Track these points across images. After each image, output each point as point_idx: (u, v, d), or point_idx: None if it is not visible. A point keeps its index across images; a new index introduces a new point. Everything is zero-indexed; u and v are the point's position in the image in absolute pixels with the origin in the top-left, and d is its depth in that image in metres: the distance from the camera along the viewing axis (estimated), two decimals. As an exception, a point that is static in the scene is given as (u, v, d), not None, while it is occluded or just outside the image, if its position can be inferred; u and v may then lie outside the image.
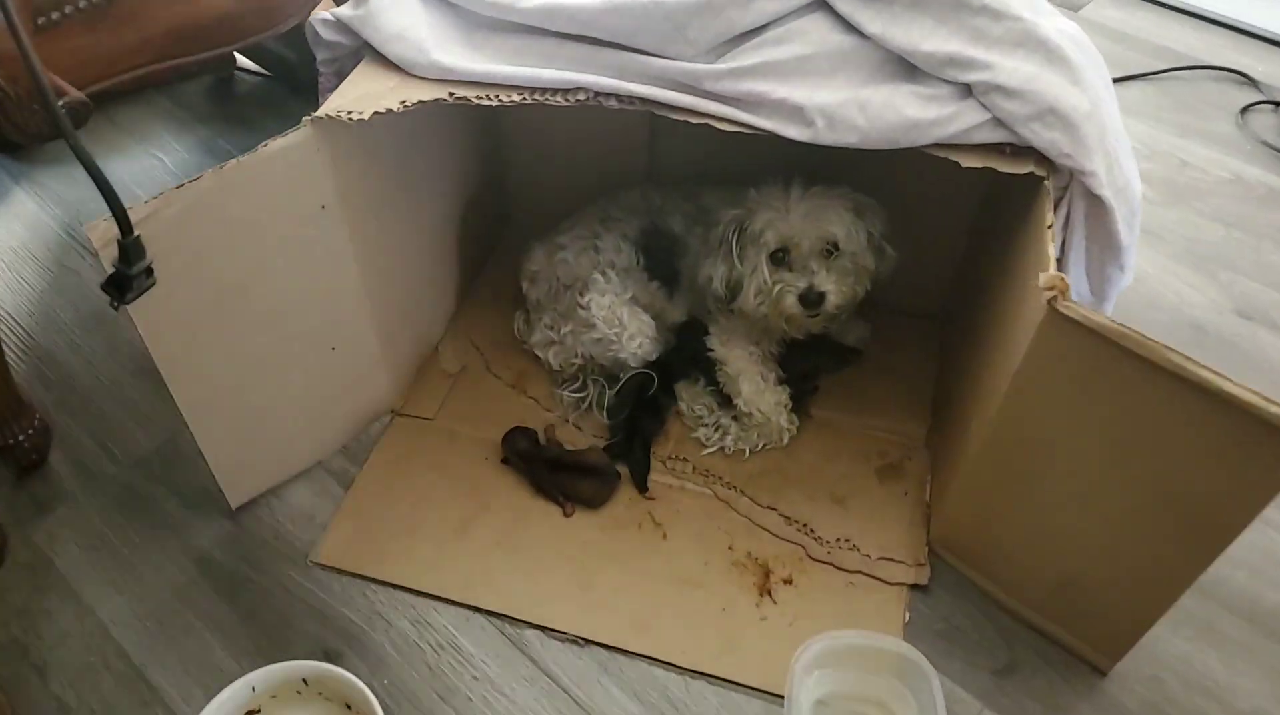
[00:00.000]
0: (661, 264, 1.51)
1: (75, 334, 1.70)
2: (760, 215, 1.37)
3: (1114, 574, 1.17)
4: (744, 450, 1.46)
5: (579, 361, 1.52)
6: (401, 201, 1.40)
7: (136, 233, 0.83)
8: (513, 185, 1.80)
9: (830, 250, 1.35)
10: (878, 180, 1.36)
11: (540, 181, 1.77)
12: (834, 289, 1.36)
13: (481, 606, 1.26)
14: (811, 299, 1.34)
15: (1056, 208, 1.15)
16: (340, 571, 1.31)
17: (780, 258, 1.37)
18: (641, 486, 1.42)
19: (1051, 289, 1.02)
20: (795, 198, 1.36)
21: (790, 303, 1.36)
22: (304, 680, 1.18)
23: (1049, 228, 1.11)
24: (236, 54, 2.19)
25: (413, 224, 1.46)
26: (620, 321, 1.46)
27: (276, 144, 1.15)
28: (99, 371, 1.63)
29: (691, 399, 1.54)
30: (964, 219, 1.52)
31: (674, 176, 1.60)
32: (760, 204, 1.37)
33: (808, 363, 1.59)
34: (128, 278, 0.84)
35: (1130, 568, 1.14)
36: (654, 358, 1.53)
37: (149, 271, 0.87)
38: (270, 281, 1.22)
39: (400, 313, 1.47)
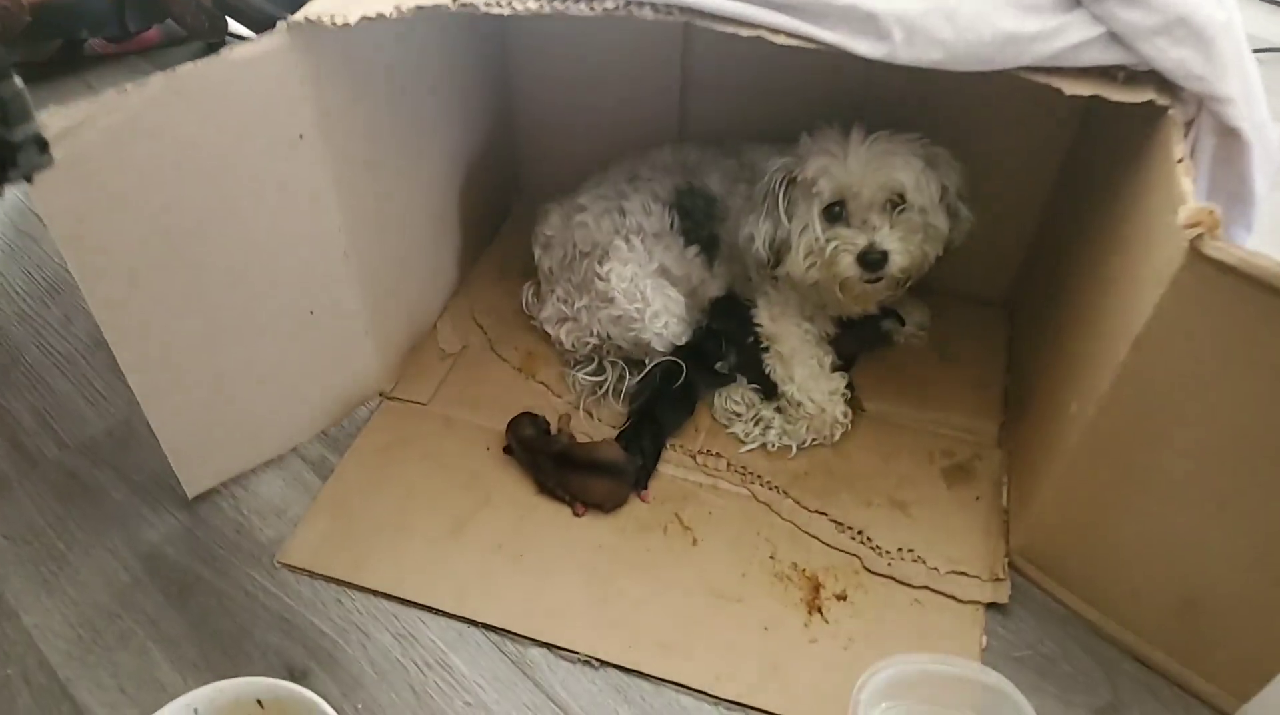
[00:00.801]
0: (699, 228, 1.34)
1: (26, 303, 1.52)
2: (813, 162, 1.18)
3: (1251, 593, 0.96)
4: (790, 447, 1.29)
5: (594, 341, 1.36)
6: (396, 144, 1.24)
7: (18, 83, 0.63)
8: (524, 146, 1.66)
9: (895, 203, 1.17)
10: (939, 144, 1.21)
11: (555, 143, 1.63)
12: (899, 248, 1.17)
13: (478, 619, 1.11)
14: (872, 259, 1.16)
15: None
16: (312, 575, 1.16)
17: (836, 212, 1.19)
18: (639, 483, 1.24)
19: (1196, 225, 0.81)
20: (856, 142, 1.18)
21: (846, 264, 1.18)
22: (258, 702, 0.98)
23: (1180, 162, 0.90)
24: (229, 19, 2.03)
25: (409, 173, 1.30)
26: (643, 296, 1.29)
27: (244, 51, 0.96)
28: (49, 344, 1.45)
29: (725, 397, 1.35)
30: (1038, 194, 1.38)
31: (707, 136, 1.44)
32: (814, 150, 1.20)
33: (850, 348, 1.42)
34: (7, 146, 0.64)
35: (1275, 585, 0.92)
36: (683, 341, 1.35)
37: (41, 145, 0.67)
38: (234, 224, 1.05)
39: (393, 278, 1.32)
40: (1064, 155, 1.33)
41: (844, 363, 1.37)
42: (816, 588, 1.15)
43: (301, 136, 1.07)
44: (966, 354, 1.44)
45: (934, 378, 1.40)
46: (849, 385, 1.34)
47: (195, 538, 1.20)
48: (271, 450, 1.28)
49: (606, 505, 1.21)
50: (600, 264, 1.31)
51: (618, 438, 1.28)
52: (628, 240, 1.32)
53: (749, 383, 1.36)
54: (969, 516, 1.22)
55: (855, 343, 1.41)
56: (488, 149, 1.54)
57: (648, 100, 1.49)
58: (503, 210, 1.69)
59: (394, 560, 1.16)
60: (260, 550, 1.18)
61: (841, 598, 1.14)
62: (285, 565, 1.17)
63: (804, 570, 1.16)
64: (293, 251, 1.13)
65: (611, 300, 1.30)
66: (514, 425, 1.27)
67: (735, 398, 1.35)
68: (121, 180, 0.94)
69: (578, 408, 1.36)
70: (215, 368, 1.14)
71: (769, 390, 1.35)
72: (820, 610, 1.12)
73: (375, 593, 1.14)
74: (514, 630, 1.10)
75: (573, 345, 1.38)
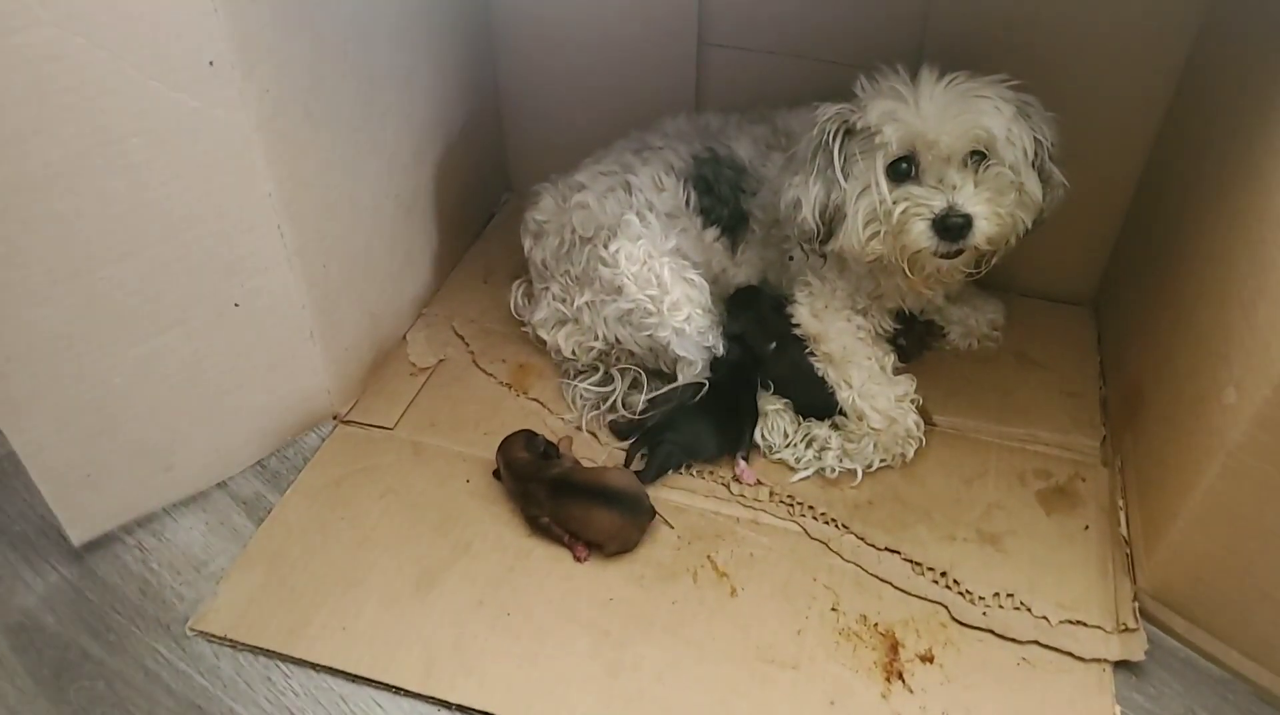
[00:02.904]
0: (721, 205, 1.17)
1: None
2: (876, 106, 1.00)
3: None
4: (855, 471, 1.12)
5: (599, 346, 1.20)
6: (348, 97, 1.07)
7: None
8: (512, 122, 1.53)
9: (979, 157, 1.00)
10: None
11: (548, 120, 1.49)
12: (985, 212, 0.98)
13: (451, 700, 0.94)
14: (953, 224, 0.97)
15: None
16: (236, 646, 0.99)
17: (905, 169, 1.00)
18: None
19: None
20: (929, 81, 0.99)
21: (920, 232, 0.99)
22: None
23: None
24: None
25: (366, 139, 1.13)
26: (659, 281, 1.11)
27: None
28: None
29: (767, 417, 1.16)
30: (1134, 162, 1.23)
31: (730, 105, 1.30)
32: (875, 93, 1.01)
33: (911, 349, 1.25)
34: None
35: None
36: (710, 342, 1.15)
37: None
38: (117, 173, 0.86)
39: (348, 270, 1.15)
40: (1163, 114, 1.17)
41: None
42: (894, 647, 0.99)
43: (211, 63, 0.86)
44: (1050, 358, 1.29)
45: (1015, 386, 1.25)
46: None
47: (84, 600, 1.02)
48: (190, 486, 1.12)
49: (611, 545, 1.04)
50: (606, 246, 1.12)
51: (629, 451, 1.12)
52: (640, 215, 1.13)
53: (778, 397, 1.17)
54: (1078, 551, 1.06)
55: (914, 342, 1.24)
56: (469, 126, 1.40)
57: (658, 65, 1.35)
58: (488, 206, 1.57)
59: (343, 625, 1.00)
60: (170, 615, 1.01)
61: (927, 659, 0.98)
62: (201, 634, 1.00)
63: (876, 625, 1.00)
64: (206, 218, 0.94)
65: (620, 289, 1.12)
66: (506, 446, 1.10)
67: (777, 426, 1.16)
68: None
69: (579, 428, 1.18)
70: (99, 374, 0.95)
71: (815, 409, 1.16)
72: (901, 676, 0.96)
73: (318, 667, 0.97)
74: (499, 714, 0.94)
75: (573, 352, 1.22)
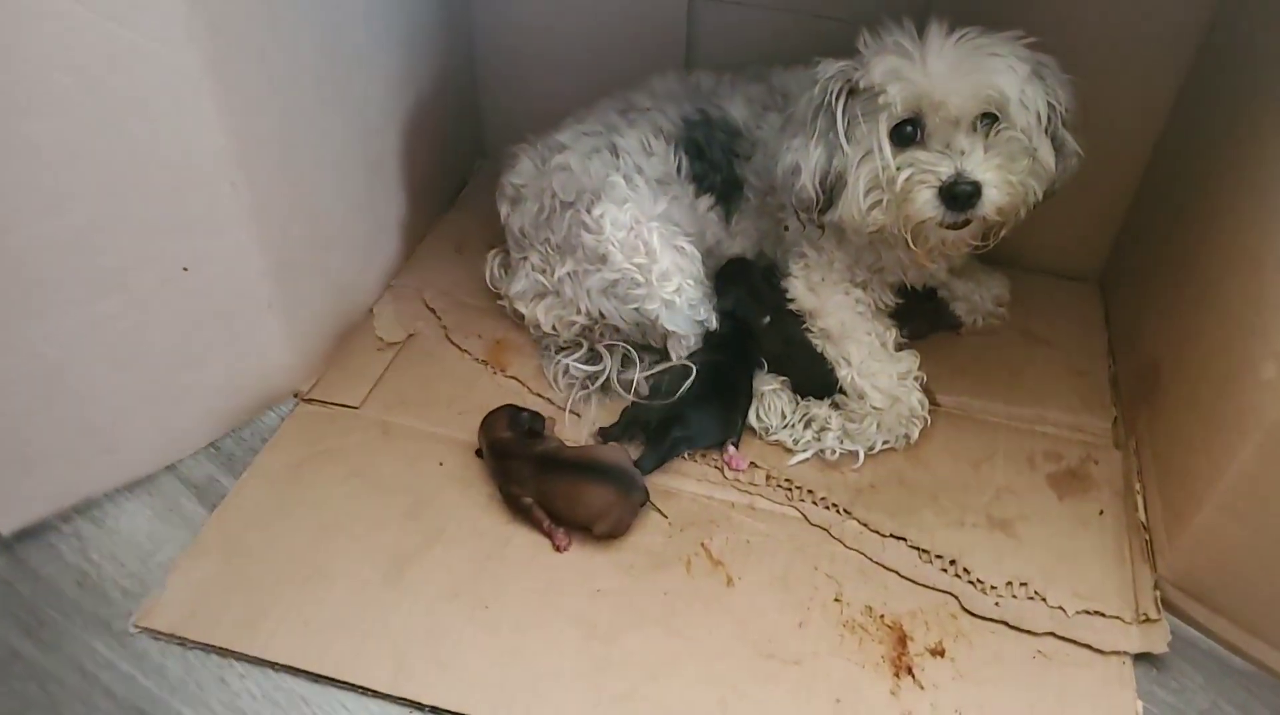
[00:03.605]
0: (714, 171, 1.11)
1: None
2: (880, 63, 0.93)
3: None
4: (856, 453, 1.07)
5: (583, 320, 1.13)
6: (311, 46, 0.99)
7: None
8: (488, 81, 1.46)
9: (989, 120, 0.94)
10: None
11: (526, 79, 1.42)
12: (995, 179, 0.92)
13: (425, 702, 0.89)
14: (960, 192, 0.91)
15: None
16: (185, 643, 0.92)
17: (909, 132, 0.94)
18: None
19: None
20: (937, 37, 0.93)
21: (925, 200, 0.93)
22: None
23: None
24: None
25: (332, 95, 1.05)
26: (646, 248, 1.04)
27: None
28: None
29: (762, 396, 1.11)
30: (1139, 155, 1.21)
31: (724, 64, 1.23)
32: (879, 49, 0.95)
33: (920, 327, 1.19)
34: None
35: None
36: (702, 316, 1.09)
37: None
38: (41, 117, 0.77)
39: (309, 235, 1.08)
40: (1185, 75, 1.13)
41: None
42: (902, 640, 0.94)
43: (157, -10, 0.77)
44: (1057, 336, 1.25)
45: (1022, 364, 1.21)
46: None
47: (14, 594, 0.94)
48: (135, 469, 1.04)
49: (601, 524, 0.97)
50: (589, 210, 1.05)
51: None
52: (627, 178, 1.06)
53: (774, 376, 1.12)
54: (1093, 537, 1.02)
55: (925, 321, 1.19)
56: (441, 83, 1.33)
57: (646, 19, 1.30)
58: (462, 171, 1.50)
59: (305, 620, 0.94)
60: (111, 610, 0.93)
61: (938, 653, 0.93)
62: (146, 630, 0.92)
63: (882, 617, 0.95)
64: (148, 170, 0.85)
65: (604, 258, 1.05)
66: (489, 424, 1.04)
67: (774, 405, 1.10)
68: None
69: (563, 409, 1.11)
70: (29, 345, 0.86)
71: (813, 388, 1.11)
72: (911, 671, 0.91)
73: (277, 667, 0.91)
74: (477, 715, 0.86)
75: (554, 327, 1.16)
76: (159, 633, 0.91)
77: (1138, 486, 1.02)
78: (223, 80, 0.85)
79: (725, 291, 1.11)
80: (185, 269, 0.93)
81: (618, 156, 1.09)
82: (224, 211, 0.93)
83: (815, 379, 1.08)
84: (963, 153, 0.93)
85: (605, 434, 1.05)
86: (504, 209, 1.17)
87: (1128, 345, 1.18)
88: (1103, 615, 0.93)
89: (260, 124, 0.92)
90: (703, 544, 0.99)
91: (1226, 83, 1.03)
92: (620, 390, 1.10)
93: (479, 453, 1.05)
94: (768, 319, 1.10)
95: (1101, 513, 1.02)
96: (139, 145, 0.84)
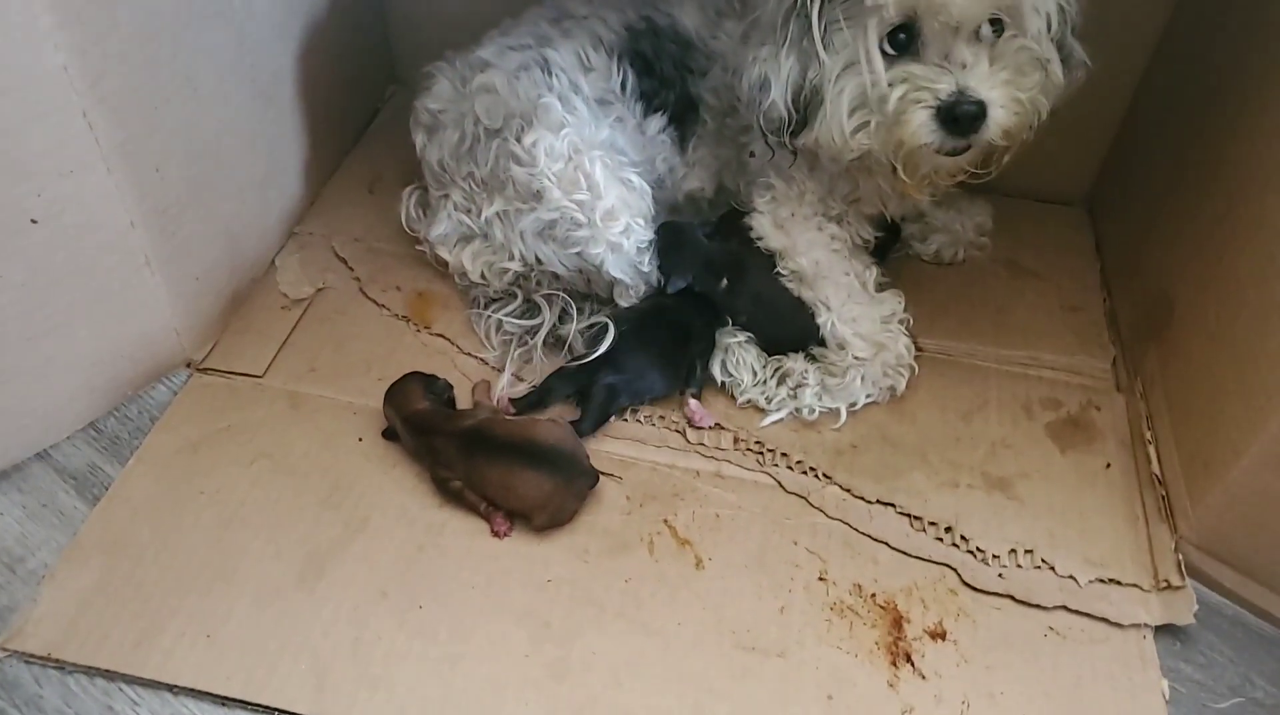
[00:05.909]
0: (665, 88, 1.01)
1: None
2: None
3: None
4: (838, 411, 0.99)
5: (516, 267, 1.03)
6: None
7: None
8: (396, 5, 1.37)
9: (994, 27, 0.85)
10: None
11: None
12: (1001, 97, 0.83)
13: None
14: (963, 113, 0.82)
15: None
16: (63, 666, 0.84)
17: (901, 41, 0.85)
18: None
19: None
20: None
21: (921, 124, 0.84)
22: None
23: None
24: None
25: (206, 4, 0.92)
26: (588, 182, 0.94)
27: None
28: None
29: (729, 349, 1.01)
30: (1137, 59, 1.14)
31: None
32: None
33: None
34: None
35: None
36: (648, 268, 1.01)
37: None
38: None
39: (192, 179, 0.96)
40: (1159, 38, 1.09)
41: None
42: (898, 622, 0.87)
43: None
44: (1045, 267, 1.19)
45: (1010, 301, 1.15)
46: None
47: None
48: None
49: (539, 516, 0.88)
50: (519, 139, 0.94)
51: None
52: (563, 99, 0.95)
53: (738, 330, 1.02)
54: (1101, 494, 0.95)
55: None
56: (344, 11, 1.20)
57: None
58: (371, 100, 1.40)
59: (207, 633, 0.86)
60: None
61: (938, 635, 0.86)
62: (16, 653, 0.84)
63: (874, 596, 0.88)
64: None
65: (539, 194, 0.95)
66: (394, 394, 0.94)
67: (741, 360, 1.02)
68: None
69: (500, 370, 1.01)
70: None
71: (786, 343, 1.02)
72: (909, 659, 0.84)
73: (176, 690, 0.83)
74: (412, 737, 0.81)
75: (482, 275, 1.06)
76: (31, 656, 0.83)
77: (1148, 435, 0.95)
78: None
79: (671, 271, 1.00)
80: (34, 221, 0.80)
81: (551, 74, 0.98)
82: (77, 149, 0.80)
83: (788, 333, 0.99)
84: (964, 66, 0.84)
85: (517, 405, 0.94)
86: (419, 138, 1.07)
87: (1125, 276, 1.11)
88: (1118, 583, 0.87)
89: (112, 38, 0.78)
90: (666, 521, 0.92)
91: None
92: (557, 349, 0.99)
93: (387, 433, 0.96)
94: (724, 283, 0.99)
95: (1109, 466, 0.95)
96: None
